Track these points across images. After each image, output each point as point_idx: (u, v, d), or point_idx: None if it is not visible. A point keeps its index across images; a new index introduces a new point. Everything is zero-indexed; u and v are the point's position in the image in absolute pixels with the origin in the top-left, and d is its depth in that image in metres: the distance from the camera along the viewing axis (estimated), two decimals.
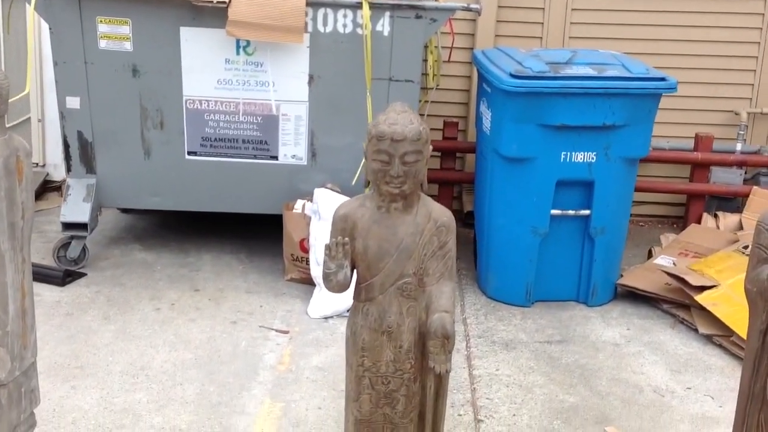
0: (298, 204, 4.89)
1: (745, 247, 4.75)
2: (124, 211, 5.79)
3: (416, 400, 2.37)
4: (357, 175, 4.68)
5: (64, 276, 4.71)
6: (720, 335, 4.35)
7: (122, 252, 5.22)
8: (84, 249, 4.90)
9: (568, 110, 4.33)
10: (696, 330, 4.47)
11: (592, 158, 4.47)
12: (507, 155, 4.49)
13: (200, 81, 4.72)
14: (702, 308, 4.47)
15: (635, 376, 4.03)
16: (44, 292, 4.57)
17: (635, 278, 4.88)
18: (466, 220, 6.03)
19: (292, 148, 4.86)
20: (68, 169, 4.89)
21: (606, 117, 4.37)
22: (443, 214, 2.37)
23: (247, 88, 4.70)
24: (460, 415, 3.64)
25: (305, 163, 4.89)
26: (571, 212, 4.59)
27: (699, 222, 5.56)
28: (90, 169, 4.87)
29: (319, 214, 4.63)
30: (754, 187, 5.52)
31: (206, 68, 4.70)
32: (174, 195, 4.96)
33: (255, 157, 4.86)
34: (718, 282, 4.48)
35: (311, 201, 4.82)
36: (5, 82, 2.63)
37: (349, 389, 2.39)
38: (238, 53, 4.63)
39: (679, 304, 4.67)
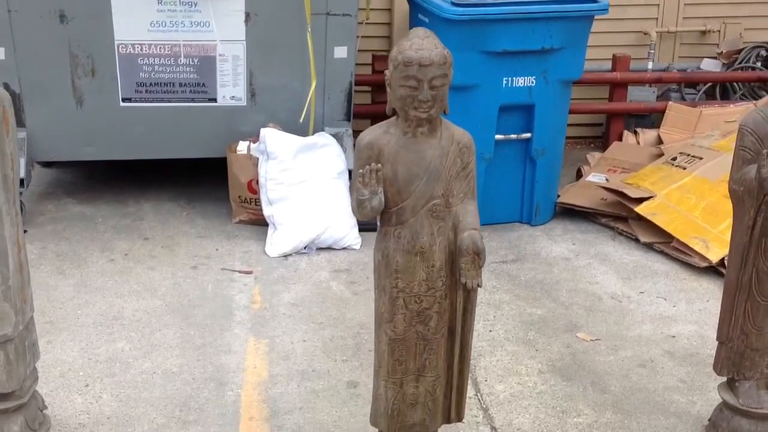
0: (242, 145, 4.84)
1: (674, 159, 5.04)
2: (46, 165, 5.57)
3: (446, 316, 2.46)
4: (304, 113, 4.68)
5: None
6: (660, 242, 4.63)
7: (56, 207, 5.05)
8: (21, 206, 4.70)
9: (510, 36, 4.45)
10: (636, 240, 4.74)
11: (532, 82, 4.62)
12: (454, 83, 4.56)
13: (132, 24, 4.56)
14: (640, 219, 4.74)
15: (591, 286, 4.26)
16: None
17: (572, 196, 5.11)
18: None
19: (231, 89, 4.79)
20: None
21: (545, 41, 4.51)
22: (464, 135, 2.44)
23: (182, 29, 4.58)
24: None
25: (245, 104, 4.83)
26: (513, 136, 4.75)
27: (620, 140, 5.83)
28: (20, 122, 4.65)
29: (268, 153, 4.61)
30: (670, 103, 5.82)
31: (138, 10, 4.54)
32: (110, 144, 4.82)
33: (193, 100, 4.77)
34: (654, 193, 4.75)
35: (255, 142, 4.79)
36: None
37: (381, 311, 2.45)
38: None
39: (616, 217, 4.93)
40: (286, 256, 4.50)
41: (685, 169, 4.89)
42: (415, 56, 2.27)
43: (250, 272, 4.32)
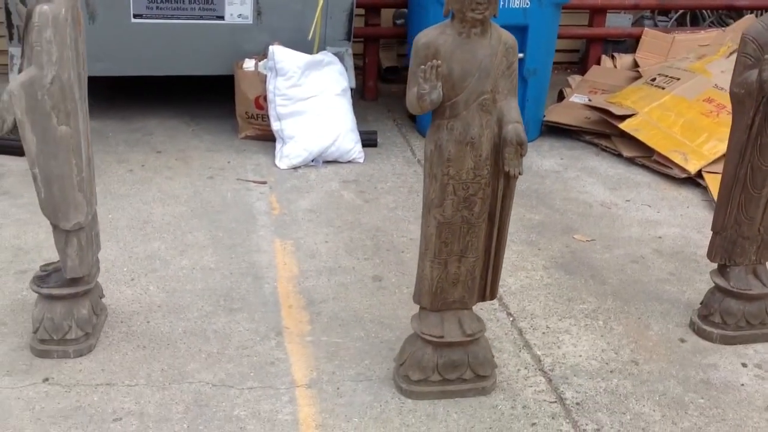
0: (249, 63, 5.04)
1: (653, 80, 5.39)
2: None
3: (488, 202, 2.76)
4: (312, 29, 4.88)
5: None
6: (642, 156, 5.00)
7: None
8: None
9: None
10: (619, 155, 5.10)
11: (527, 3, 4.89)
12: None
13: None
14: (623, 135, 5.09)
15: (582, 195, 4.62)
16: (10, 163, 4.57)
17: (558, 115, 5.44)
18: (384, 75, 6.36)
19: (238, 7, 4.97)
20: (10, 38, 4.79)
21: None
22: (510, 37, 2.71)
23: None
24: None
25: (251, 22, 5.01)
26: None
27: (599, 64, 6.16)
28: None
29: (276, 70, 4.82)
30: (646, 29, 6.15)
31: None
32: (120, 60, 4.98)
33: (201, 17, 4.94)
34: (637, 111, 5.10)
35: (262, 59, 4.99)
36: None
37: (431, 197, 2.73)
38: None
39: (599, 134, 5.28)
40: (295, 168, 4.75)
41: (664, 89, 5.24)
42: None
43: (264, 182, 4.57)
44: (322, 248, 3.91)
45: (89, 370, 2.96)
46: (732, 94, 3.07)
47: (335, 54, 5.08)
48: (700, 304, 3.44)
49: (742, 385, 3.09)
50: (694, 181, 4.76)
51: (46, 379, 2.90)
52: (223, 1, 4.91)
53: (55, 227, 2.90)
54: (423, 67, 2.55)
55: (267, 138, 5.02)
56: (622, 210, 4.47)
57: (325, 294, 3.54)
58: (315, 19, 4.86)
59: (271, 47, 4.86)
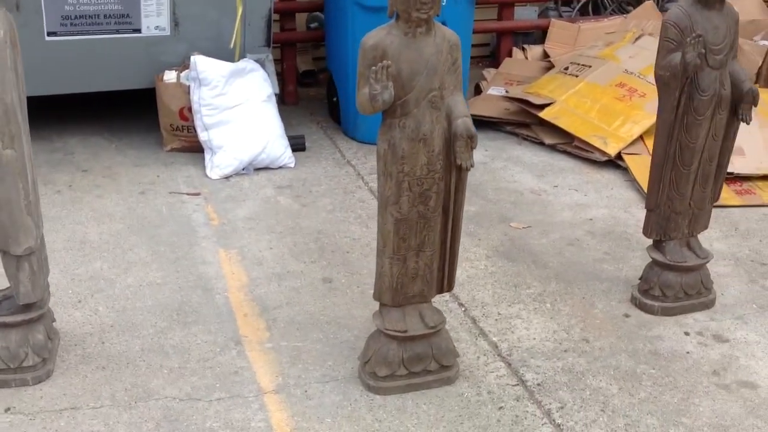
0: (170, 74, 4.99)
1: (566, 69, 5.58)
2: None
3: (442, 196, 2.83)
4: (233, 38, 4.87)
5: None
6: (563, 143, 5.17)
7: None
8: None
9: None
10: (541, 143, 5.27)
11: (443, 0, 4.99)
12: (368, 4, 4.90)
13: None
14: (542, 124, 5.26)
15: (512, 184, 4.75)
16: None
17: (478, 108, 5.57)
18: (302, 79, 6.38)
19: (155, 18, 4.91)
20: None
21: None
22: (453, 35, 2.79)
23: None
24: None
25: (168, 34, 4.97)
26: None
27: (510, 56, 6.33)
28: None
29: (200, 80, 4.79)
30: (553, 20, 6.36)
31: None
32: (35, 80, 4.80)
33: (118, 32, 4.86)
34: (554, 99, 5.27)
35: (183, 70, 4.95)
36: None
37: (387, 195, 2.78)
38: None
39: (519, 124, 5.44)
40: (227, 177, 4.73)
41: (577, 76, 5.44)
42: None
43: (198, 194, 4.53)
44: (267, 255, 3.92)
45: (51, 396, 2.90)
46: (657, 77, 3.22)
47: (256, 61, 5.08)
48: (639, 279, 3.60)
49: (688, 353, 3.26)
50: (614, 163, 4.96)
51: (8, 409, 2.83)
52: (140, 13, 4.85)
53: (5, 253, 2.83)
54: (374, 68, 2.61)
55: (194, 149, 4.98)
56: (552, 196, 4.63)
57: (278, 300, 3.55)
58: (235, 27, 4.85)
59: (192, 57, 4.82)
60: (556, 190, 4.69)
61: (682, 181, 3.33)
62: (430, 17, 2.68)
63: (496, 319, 3.45)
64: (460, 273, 3.80)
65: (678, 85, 3.16)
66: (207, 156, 4.84)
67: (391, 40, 2.68)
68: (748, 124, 3.27)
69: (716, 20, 3.14)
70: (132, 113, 5.52)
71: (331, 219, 4.28)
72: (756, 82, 5.47)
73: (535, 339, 3.32)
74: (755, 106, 3.23)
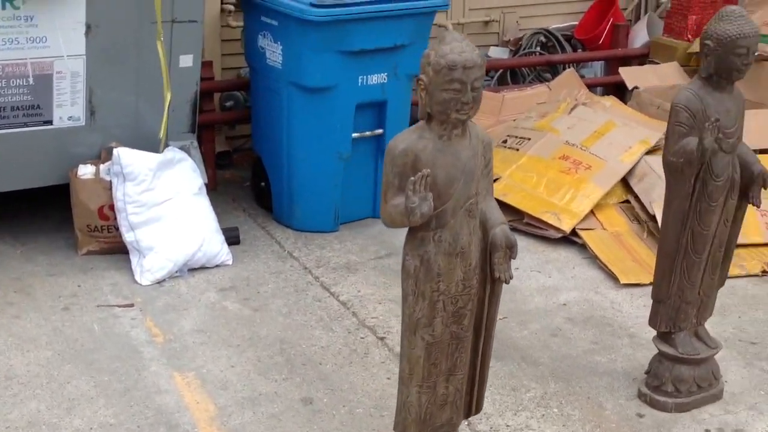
0: (84, 169, 4.46)
1: (504, 142, 5.38)
2: None
3: (475, 312, 2.50)
4: (162, 127, 4.41)
5: None
6: (513, 220, 4.93)
7: None
8: None
9: (366, 35, 4.51)
10: None
11: (384, 79, 4.72)
12: (310, 86, 4.56)
13: None
14: None
15: None
16: None
17: None
18: (218, 160, 5.93)
19: (69, 108, 4.39)
20: None
21: (396, 38, 4.62)
22: (485, 133, 2.49)
23: (15, 46, 4.11)
24: (362, 338, 3.77)
25: (83, 124, 4.45)
26: (367, 133, 4.82)
27: None
28: None
29: (124, 174, 4.29)
30: None
31: None
32: None
33: (26, 125, 4.31)
34: (499, 175, 5.05)
35: (99, 164, 4.44)
36: None
37: (418, 317, 2.42)
38: (3, 7, 4.02)
39: None
40: (160, 282, 4.22)
41: (518, 150, 5.25)
42: (459, 59, 2.28)
43: (131, 305, 4.01)
44: (230, 375, 3.45)
45: None
46: (668, 164, 3.02)
47: (181, 148, 4.62)
48: (645, 373, 3.36)
49: None
50: (568, 239, 4.77)
51: None
52: (51, 104, 4.31)
53: None
54: (412, 179, 2.26)
55: (114, 251, 4.45)
56: (516, 280, 4.32)
57: (258, 431, 3.09)
58: (165, 114, 4.40)
59: (115, 150, 4.32)
60: (519, 273, 4.42)
61: (694, 270, 3.13)
62: (469, 118, 2.36)
63: None
64: None
65: (693, 172, 2.97)
66: (134, 259, 4.31)
67: (424, 145, 2.35)
68: (758, 207, 3.12)
69: (728, 103, 2.99)
70: (36, 211, 4.92)
71: (291, 325, 3.86)
72: None
73: None
74: (765, 188, 3.07)
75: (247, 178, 5.60)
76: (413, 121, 5.53)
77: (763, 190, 3.09)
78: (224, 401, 3.27)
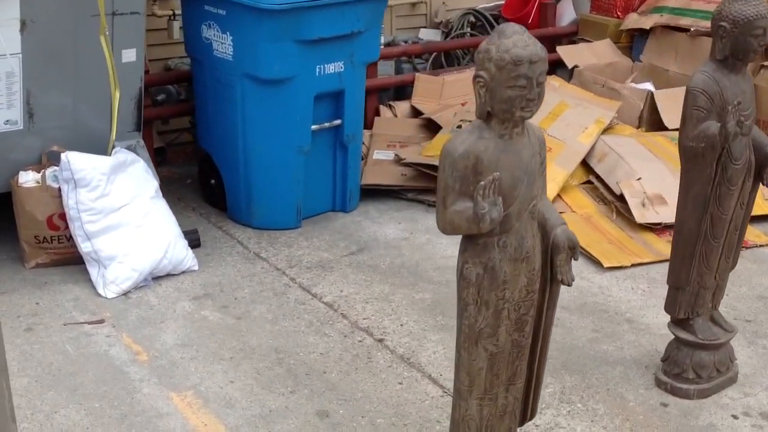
0: (26, 176, 4.08)
1: (459, 126, 5.27)
2: None
3: (535, 318, 2.37)
4: (113, 128, 4.07)
5: None
6: None
7: None
8: None
9: (323, 22, 4.29)
10: None
11: (341, 68, 4.51)
12: (266, 77, 4.31)
13: None
14: None
15: (449, 260, 4.33)
16: None
17: (373, 176, 5.11)
18: (158, 157, 5.58)
19: (5, 111, 3.99)
20: None
21: (353, 24, 4.43)
22: (539, 129, 2.33)
23: None
24: (360, 341, 3.59)
25: (21, 128, 4.06)
26: (326, 125, 4.61)
27: (378, 114, 5.93)
28: None
29: (75, 181, 3.94)
30: (418, 74, 6.04)
31: None
32: None
33: None
34: None
35: (41, 170, 4.07)
36: None
37: (480, 327, 2.26)
38: None
39: (421, 189, 5.05)
40: (126, 294, 3.91)
41: None
42: (525, 54, 2.10)
43: (101, 321, 3.70)
44: (232, 392, 3.21)
45: None
46: (687, 149, 2.97)
47: (127, 149, 4.29)
48: (662, 360, 3.33)
49: None
50: None
51: None
52: None
53: None
54: (482, 183, 2.10)
55: (66, 262, 4.10)
56: None
57: None
58: (114, 113, 4.06)
59: (63, 155, 3.96)
60: None
61: (713, 254, 3.10)
62: (533, 115, 2.21)
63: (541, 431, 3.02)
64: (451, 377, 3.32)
65: (715, 157, 2.93)
66: (93, 270, 3.97)
67: (485, 145, 2.19)
68: None
69: (743, 84, 2.96)
70: None
71: (281, 332, 3.64)
72: (638, 126, 5.48)
73: None
74: None
75: (187, 175, 5.30)
76: (366, 110, 5.45)
77: None
78: (234, 421, 3.04)
